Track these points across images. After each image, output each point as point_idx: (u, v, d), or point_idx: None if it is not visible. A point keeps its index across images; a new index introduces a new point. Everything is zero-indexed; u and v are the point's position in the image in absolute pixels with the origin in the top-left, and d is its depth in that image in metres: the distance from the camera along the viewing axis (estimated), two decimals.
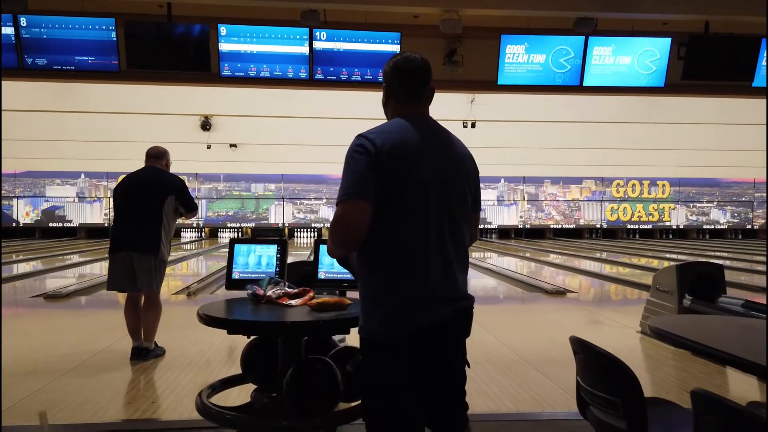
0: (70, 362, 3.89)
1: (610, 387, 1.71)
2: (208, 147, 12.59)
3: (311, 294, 2.20)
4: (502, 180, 20.26)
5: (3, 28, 5.58)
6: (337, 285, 2.41)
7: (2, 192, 18.85)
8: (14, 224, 18.87)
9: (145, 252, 3.86)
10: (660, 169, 19.04)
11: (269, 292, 2.16)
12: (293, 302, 2.12)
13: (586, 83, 6.28)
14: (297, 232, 20.57)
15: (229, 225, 19.94)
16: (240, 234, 20.32)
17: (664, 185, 20.88)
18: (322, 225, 20.37)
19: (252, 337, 2.24)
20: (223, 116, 11.74)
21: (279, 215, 20.09)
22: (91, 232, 19.17)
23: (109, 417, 2.91)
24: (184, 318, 5.37)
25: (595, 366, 1.77)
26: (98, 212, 19.23)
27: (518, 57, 6.17)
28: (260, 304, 2.14)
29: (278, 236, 20.00)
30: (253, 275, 2.40)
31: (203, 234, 20.01)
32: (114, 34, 5.65)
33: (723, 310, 4.07)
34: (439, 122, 1.77)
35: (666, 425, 1.75)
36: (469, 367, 1.76)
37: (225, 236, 20.12)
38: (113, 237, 3.99)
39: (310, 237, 20.36)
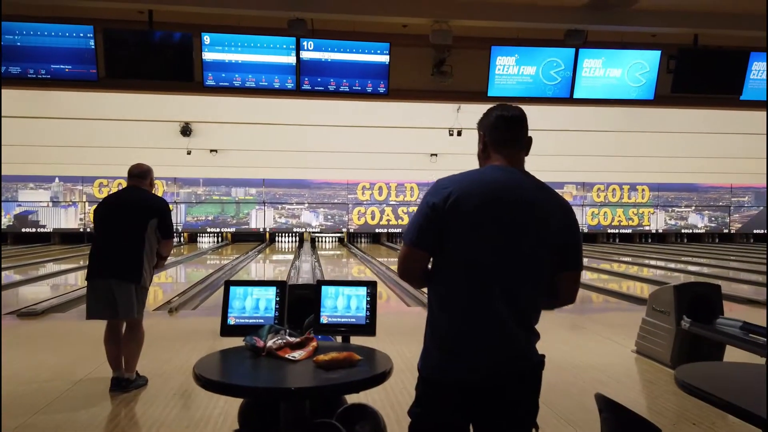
0: (48, 395, 3.68)
1: None
2: (188, 153, 12.30)
3: (314, 344, 2.05)
4: None
5: None
6: (340, 330, 2.26)
7: None
8: None
9: (125, 279, 3.65)
10: (640, 175, 19.23)
11: (270, 342, 2.01)
12: (296, 354, 1.97)
13: (576, 95, 6.24)
14: (278, 236, 20.30)
15: (208, 230, 19.60)
16: (220, 239, 19.99)
17: (643, 190, 21.09)
18: (303, 230, 20.15)
19: None
20: (204, 123, 11.47)
21: (260, 220, 19.80)
22: (66, 237, 18.66)
23: None
24: (167, 338, 5.17)
25: (626, 430, 1.66)
26: (73, 217, 18.73)
27: (509, 68, 6.10)
28: (260, 357, 1.98)
29: (259, 241, 19.75)
30: (251, 321, 2.24)
31: (182, 239, 19.63)
32: (92, 42, 5.43)
33: (722, 333, 4.02)
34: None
35: None
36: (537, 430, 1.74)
37: (204, 241, 19.77)
38: (91, 262, 3.77)
39: (293, 242, 20.12)
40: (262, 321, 2.23)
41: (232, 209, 19.64)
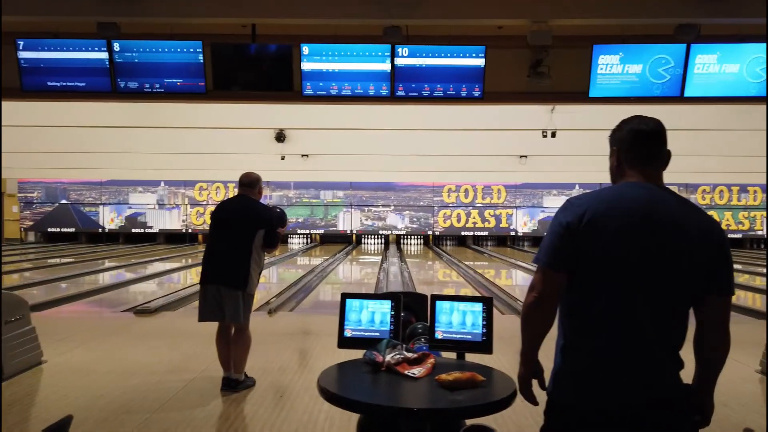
0: (166, 392, 3.92)
1: None
2: (282, 158, 12.77)
3: (432, 360, 2.03)
4: (577, 186, 19.52)
5: (97, 53, 5.77)
6: (454, 346, 2.23)
7: (89, 199, 19.96)
8: (100, 230, 19.93)
9: (233, 287, 3.84)
10: (751, 175, 17.72)
11: (388, 357, 2.01)
12: (415, 372, 1.96)
13: (687, 94, 5.83)
14: (364, 238, 20.62)
15: (299, 231, 20.25)
16: (309, 240, 20.57)
17: (755, 191, 19.45)
18: (389, 232, 20.32)
19: None
20: (297, 129, 11.86)
21: (347, 222, 20.20)
22: (170, 237, 19.97)
23: None
24: (270, 339, 5.37)
25: None
26: (176, 219, 20.01)
27: (612, 68, 5.81)
28: (379, 372, 1.99)
29: (346, 242, 20.14)
30: (366, 334, 2.26)
31: None
32: (201, 57, 5.73)
33: None
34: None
35: None
36: None
37: (295, 242, 20.41)
38: (204, 266, 3.99)
39: (378, 244, 20.36)
40: (377, 334, 2.24)
41: (320, 211, 20.18)
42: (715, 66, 5.76)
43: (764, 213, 19.61)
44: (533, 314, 1.64)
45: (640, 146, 1.67)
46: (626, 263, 1.56)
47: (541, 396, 1.72)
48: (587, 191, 1.69)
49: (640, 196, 1.61)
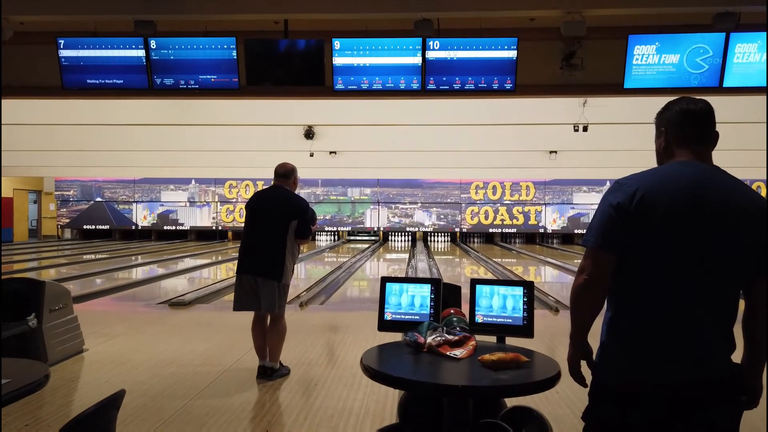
0: (203, 380, 4.00)
1: None
2: (311, 155, 12.86)
3: (473, 342, 2.03)
4: (608, 183, 19.21)
5: (134, 51, 5.89)
6: (495, 330, 2.22)
7: (123, 197, 20.43)
8: (133, 227, 20.37)
9: (269, 277, 3.89)
10: None
11: (429, 339, 2.02)
12: (457, 353, 1.97)
13: (726, 84, 5.68)
14: (391, 236, 20.65)
15: (326, 229, 20.38)
16: (336, 237, 20.69)
17: None
18: (416, 229, 20.31)
19: None
20: (325, 126, 11.93)
21: (374, 219, 20.25)
22: (200, 234, 20.31)
23: None
24: (302, 330, 5.43)
25: None
26: (207, 216, 20.34)
27: (648, 58, 5.70)
28: (421, 353, 2.00)
29: (374, 239, 20.20)
30: (406, 317, 2.27)
31: None
32: (235, 53, 5.80)
33: None
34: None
35: None
36: None
37: (322, 239, 20.55)
38: (240, 257, 4.05)
39: (405, 241, 20.36)
40: (417, 317, 2.25)
41: (348, 209, 20.28)
42: (756, 55, 5.61)
43: None
44: (583, 296, 1.63)
45: (690, 126, 1.66)
46: (674, 241, 1.54)
47: (588, 378, 1.71)
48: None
49: (691, 173, 1.59)
